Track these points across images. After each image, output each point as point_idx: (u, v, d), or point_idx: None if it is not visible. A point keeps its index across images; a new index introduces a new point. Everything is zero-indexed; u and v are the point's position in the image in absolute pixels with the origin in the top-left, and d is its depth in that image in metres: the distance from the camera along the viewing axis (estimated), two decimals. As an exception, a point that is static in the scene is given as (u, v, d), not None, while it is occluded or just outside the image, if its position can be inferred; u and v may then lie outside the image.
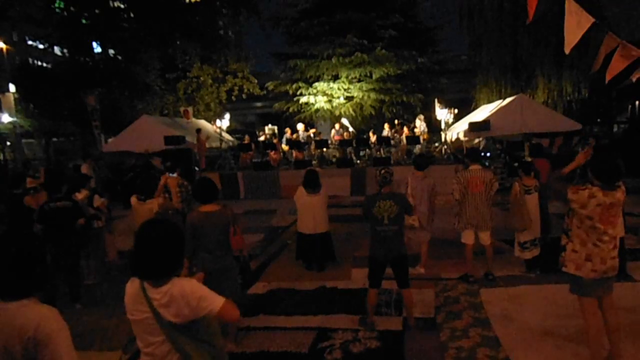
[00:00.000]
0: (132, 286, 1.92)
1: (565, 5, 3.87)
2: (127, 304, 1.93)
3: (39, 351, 1.60)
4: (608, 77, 4.11)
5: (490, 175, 5.12)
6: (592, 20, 3.84)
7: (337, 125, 15.45)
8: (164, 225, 1.98)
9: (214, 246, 3.57)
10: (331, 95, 19.98)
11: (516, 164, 9.72)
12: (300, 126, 15.26)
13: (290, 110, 21.02)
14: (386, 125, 15.23)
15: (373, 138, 14.23)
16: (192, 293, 1.87)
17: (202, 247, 3.57)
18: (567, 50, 3.97)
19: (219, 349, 1.99)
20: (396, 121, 15.80)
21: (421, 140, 13.50)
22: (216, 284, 3.07)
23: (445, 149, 13.58)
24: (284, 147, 14.48)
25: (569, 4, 3.88)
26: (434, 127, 14.71)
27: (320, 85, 19.76)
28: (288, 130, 15.87)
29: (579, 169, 3.44)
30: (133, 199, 4.53)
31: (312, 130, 15.53)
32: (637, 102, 17.58)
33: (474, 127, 11.40)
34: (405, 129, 14.65)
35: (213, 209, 3.59)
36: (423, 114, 15.01)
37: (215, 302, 1.90)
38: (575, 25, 3.87)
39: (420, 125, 14.26)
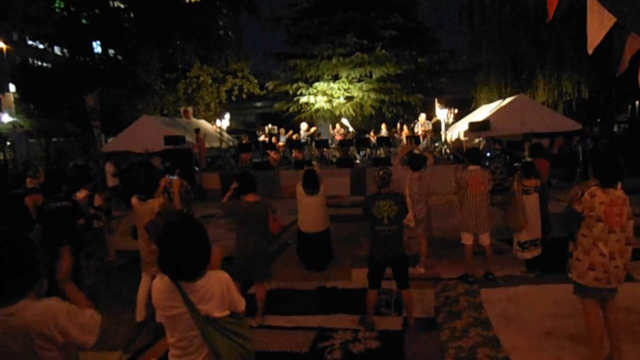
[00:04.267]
0: (163, 282, 1.91)
1: (588, 4, 3.80)
2: (158, 301, 1.92)
3: (58, 340, 1.65)
4: None
5: (489, 176, 5.12)
6: (614, 19, 3.78)
7: (337, 125, 15.45)
8: (188, 224, 1.99)
9: (255, 232, 4.12)
10: (331, 95, 19.99)
11: (516, 164, 9.72)
12: (303, 126, 15.20)
13: (291, 110, 21.02)
14: (383, 126, 15.24)
15: (373, 138, 14.23)
16: (229, 288, 1.96)
17: (243, 232, 4.16)
18: (590, 51, 3.87)
19: (249, 350, 2.01)
20: (411, 123, 15.51)
21: (422, 140, 13.48)
22: (255, 265, 4.13)
23: (445, 149, 13.57)
24: (280, 143, 14.49)
25: (591, 3, 3.78)
26: (434, 127, 14.72)
27: (320, 85, 19.76)
28: (282, 130, 15.87)
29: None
30: (134, 200, 4.52)
31: (312, 129, 15.50)
32: (637, 102, 17.61)
33: (474, 127, 11.39)
34: (405, 129, 14.64)
35: (255, 199, 4.16)
36: (425, 113, 14.98)
37: (240, 302, 2.04)
38: (598, 24, 3.79)
39: (424, 123, 14.22)
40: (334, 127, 15.45)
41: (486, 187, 5.02)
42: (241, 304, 2.03)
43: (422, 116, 14.52)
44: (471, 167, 5.11)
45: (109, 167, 11.32)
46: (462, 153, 12.53)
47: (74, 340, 1.69)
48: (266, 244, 4.34)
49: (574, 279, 3.20)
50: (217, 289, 1.90)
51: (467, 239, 5.14)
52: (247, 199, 4.17)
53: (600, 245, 3.04)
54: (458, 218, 5.18)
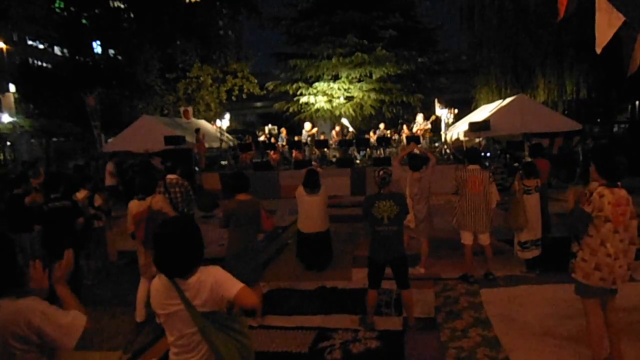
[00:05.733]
0: (160, 281, 1.95)
1: (596, 3, 3.76)
2: (156, 299, 1.95)
3: (34, 340, 1.64)
4: None
5: (487, 176, 5.10)
6: (623, 18, 3.73)
7: (337, 127, 15.48)
8: (180, 222, 2.03)
9: (245, 230, 4.20)
10: (331, 95, 19.98)
11: (516, 164, 9.72)
12: (307, 126, 15.16)
13: (291, 110, 21.01)
14: (381, 125, 15.21)
15: (373, 138, 14.21)
16: (214, 277, 1.93)
17: (235, 231, 4.20)
18: (598, 50, 3.81)
19: (247, 347, 2.02)
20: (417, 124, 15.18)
21: (421, 140, 13.46)
22: (244, 263, 4.08)
23: (445, 149, 13.56)
24: (279, 144, 14.50)
25: (599, 2, 3.75)
26: (434, 127, 14.71)
27: (321, 85, 19.75)
28: (283, 131, 15.87)
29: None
30: (132, 203, 4.48)
31: (314, 130, 15.48)
32: (637, 102, 17.60)
33: (474, 127, 11.39)
34: (405, 129, 14.62)
35: (247, 198, 4.23)
36: (422, 113, 14.98)
37: (233, 288, 1.91)
38: (606, 23, 3.74)
39: (423, 123, 14.20)
40: (335, 129, 15.48)
41: (486, 187, 5.01)
42: (230, 293, 1.90)
43: (420, 116, 14.49)
44: (470, 167, 5.11)
45: (110, 167, 11.31)
46: (462, 153, 12.54)
47: (51, 341, 1.67)
48: (257, 244, 4.38)
49: (578, 279, 3.17)
50: (208, 285, 1.91)
51: (466, 239, 5.14)
52: (239, 197, 4.22)
53: (608, 245, 3.02)
54: (457, 217, 5.17)
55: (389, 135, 14.30)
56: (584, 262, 3.12)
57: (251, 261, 4.21)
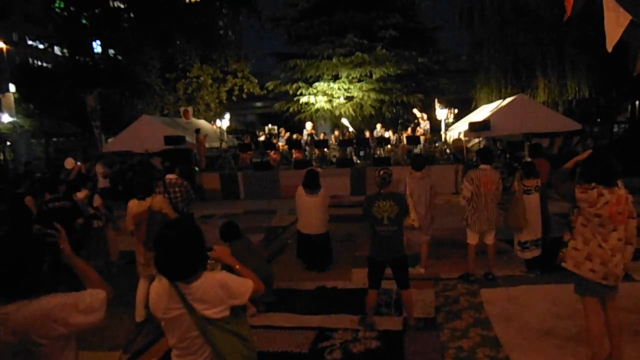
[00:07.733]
0: (161, 285, 1.92)
1: (604, 2, 3.75)
2: (157, 304, 1.93)
3: (62, 331, 1.68)
4: None
5: (498, 176, 5.11)
6: (630, 17, 3.72)
7: (336, 132, 15.53)
8: (183, 225, 2.01)
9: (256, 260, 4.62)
10: (331, 95, 19.97)
11: (516, 164, 9.73)
12: (308, 126, 15.16)
13: (291, 110, 21.01)
14: (378, 126, 15.21)
15: (371, 139, 14.21)
16: (220, 283, 1.91)
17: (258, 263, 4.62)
18: (609, 48, 3.76)
19: (250, 348, 2.02)
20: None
21: (421, 141, 13.47)
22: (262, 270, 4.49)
23: (445, 149, 13.57)
24: (280, 144, 14.51)
25: (606, 1, 3.75)
26: (434, 127, 14.70)
27: (321, 85, 19.74)
28: (283, 130, 15.85)
29: (580, 168, 3.38)
30: (131, 202, 4.48)
31: (312, 131, 15.48)
32: (637, 102, 17.60)
33: (474, 127, 11.39)
34: (409, 131, 14.61)
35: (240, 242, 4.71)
36: (425, 113, 14.96)
37: (246, 287, 1.96)
38: (615, 22, 3.73)
39: (424, 124, 14.20)
40: (337, 129, 15.52)
41: (496, 186, 5.01)
42: (246, 293, 1.95)
43: (424, 116, 14.45)
44: (482, 167, 5.10)
45: (99, 168, 11.22)
46: (462, 153, 12.55)
47: (77, 326, 1.72)
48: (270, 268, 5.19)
49: (569, 269, 3.15)
50: (212, 291, 1.88)
51: (472, 239, 5.13)
52: (235, 244, 4.51)
53: (599, 238, 3.03)
54: (468, 217, 5.13)
55: (386, 137, 14.30)
56: (576, 250, 3.12)
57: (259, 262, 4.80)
